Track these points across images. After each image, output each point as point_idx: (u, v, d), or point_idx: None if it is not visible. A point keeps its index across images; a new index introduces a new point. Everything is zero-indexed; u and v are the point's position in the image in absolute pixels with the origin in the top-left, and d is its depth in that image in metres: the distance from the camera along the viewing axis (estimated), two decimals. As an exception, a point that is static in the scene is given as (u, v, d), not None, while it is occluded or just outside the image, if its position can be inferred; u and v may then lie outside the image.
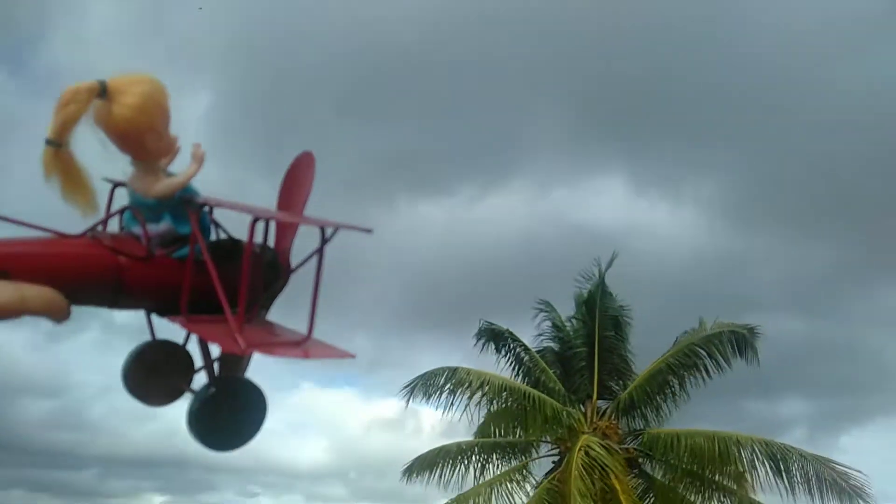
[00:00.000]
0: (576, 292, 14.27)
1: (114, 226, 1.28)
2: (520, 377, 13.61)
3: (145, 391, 1.37)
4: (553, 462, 13.76)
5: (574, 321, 14.30)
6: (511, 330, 13.57)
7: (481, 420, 13.66)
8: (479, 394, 12.42)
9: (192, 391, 1.31)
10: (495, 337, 13.65)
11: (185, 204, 1.21)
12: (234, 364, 1.31)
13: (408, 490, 14.67)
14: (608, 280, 13.77)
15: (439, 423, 15.56)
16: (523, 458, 14.05)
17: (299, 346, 1.22)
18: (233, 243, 1.28)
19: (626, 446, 12.85)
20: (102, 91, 1.10)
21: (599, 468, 11.33)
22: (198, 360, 1.35)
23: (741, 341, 12.10)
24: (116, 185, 1.27)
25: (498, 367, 13.50)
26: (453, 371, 12.71)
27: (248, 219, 1.20)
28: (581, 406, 13.45)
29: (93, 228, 1.19)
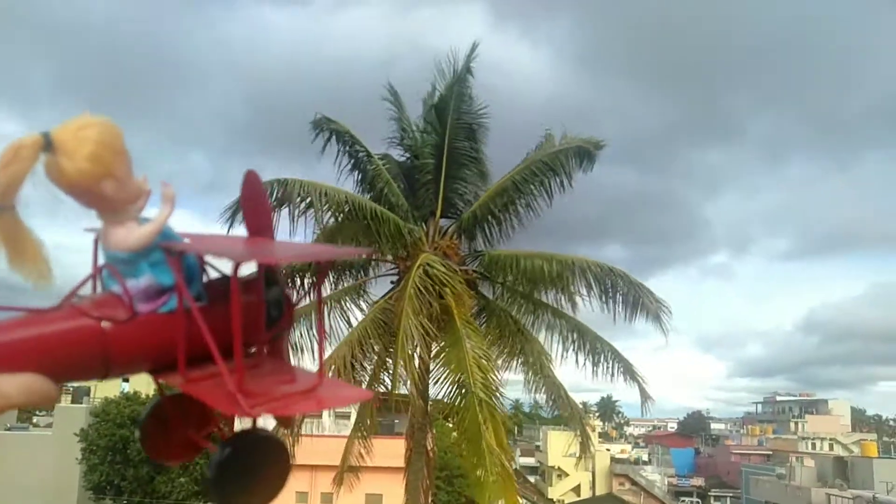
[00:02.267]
0: (426, 91, 12.49)
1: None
2: (360, 188, 12.29)
3: (162, 449, 1.26)
4: (392, 282, 13.15)
5: (423, 124, 12.69)
6: (353, 133, 11.87)
7: (314, 236, 12.47)
8: (319, 206, 10.85)
9: (211, 445, 1.15)
10: (333, 136, 11.78)
11: (165, 251, 1.07)
12: None
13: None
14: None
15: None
16: (360, 275, 13.30)
17: (311, 393, 1.09)
18: (226, 282, 1.12)
19: (465, 267, 12.37)
20: (48, 144, 0.96)
21: (437, 286, 10.79)
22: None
23: (584, 156, 11.52)
24: (100, 235, 1.11)
25: (338, 172, 11.98)
26: (283, 183, 10.83)
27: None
28: (423, 224, 12.60)
29: (73, 293, 1.06)
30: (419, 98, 13.01)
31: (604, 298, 11.28)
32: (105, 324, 1.03)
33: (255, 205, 1.28)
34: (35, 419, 53.55)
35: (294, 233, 11.16)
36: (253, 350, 1.19)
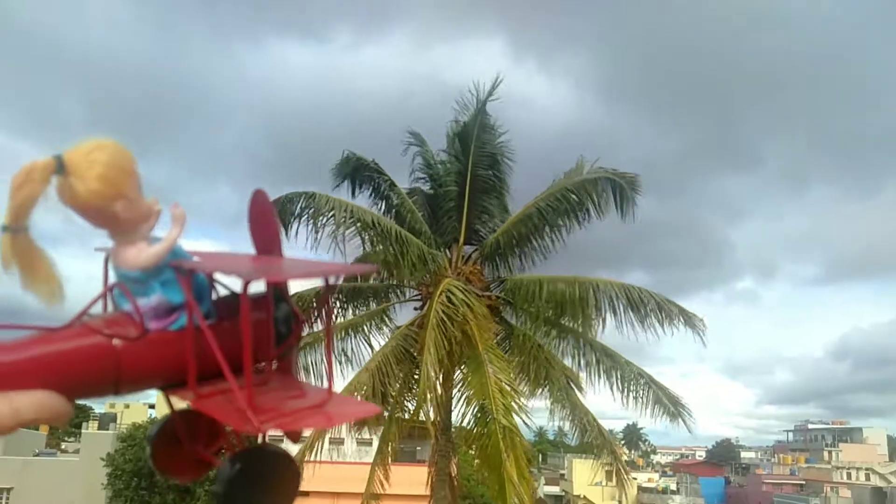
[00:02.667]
0: (450, 123, 12.64)
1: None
2: (385, 216, 12.42)
3: (171, 465, 1.29)
4: (415, 308, 13.19)
5: (446, 156, 12.80)
6: (377, 162, 12.06)
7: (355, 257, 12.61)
8: (343, 225, 10.92)
9: (219, 461, 1.16)
10: (359, 169, 11.99)
11: (175, 270, 1.11)
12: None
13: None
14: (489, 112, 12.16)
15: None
16: (383, 301, 13.36)
17: (320, 408, 1.12)
18: (235, 299, 1.15)
19: (488, 293, 12.37)
20: (60, 167, 1.00)
21: (460, 312, 10.77)
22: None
23: (617, 190, 11.30)
24: (110, 254, 1.14)
25: (354, 197, 12.07)
26: (311, 197, 10.91)
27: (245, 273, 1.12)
28: (447, 250, 12.62)
29: (84, 312, 1.08)
30: (440, 131, 13.24)
31: (631, 320, 11.07)
32: (116, 341, 1.05)
33: (263, 223, 1.29)
34: (63, 445, 54.09)
35: (317, 248, 11.13)
36: (262, 366, 1.20)
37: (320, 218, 10.98)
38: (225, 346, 1.08)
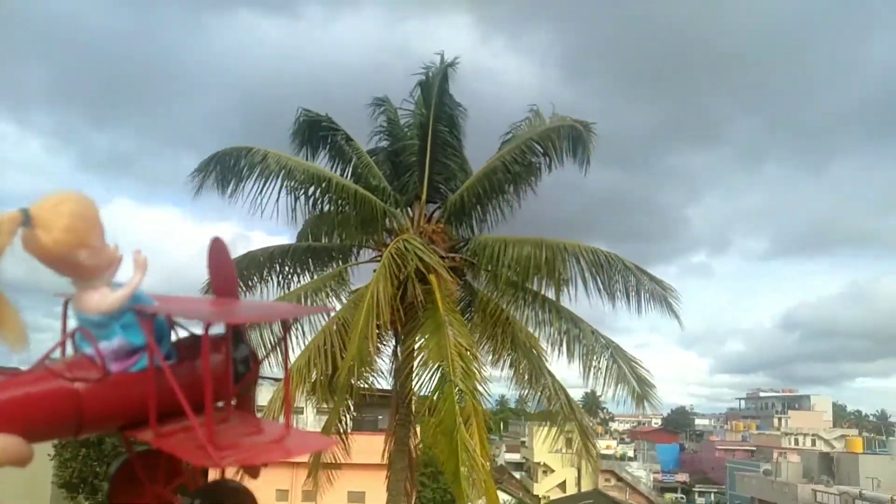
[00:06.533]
0: (415, 82, 11.96)
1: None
2: (340, 174, 11.61)
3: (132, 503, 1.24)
4: (374, 270, 12.50)
5: (408, 111, 12.17)
6: (330, 118, 11.12)
7: (295, 219, 11.81)
8: (280, 182, 10.14)
9: (179, 499, 1.26)
10: (313, 128, 11.13)
11: (137, 314, 1.15)
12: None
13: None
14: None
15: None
16: (341, 263, 12.63)
17: (279, 443, 1.18)
18: (194, 341, 1.23)
19: (452, 255, 11.72)
20: (27, 219, 1.05)
21: (417, 266, 10.11)
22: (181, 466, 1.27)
23: (577, 138, 10.80)
24: (69, 300, 1.20)
25: (311, 156, 11.26)
26: (248, 151, 10.08)
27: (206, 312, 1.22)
28: (409, 209, 11.92)
29: (47, 356, 1.15)
30: (404, 97, 12.63)
31: (599, 287, 10.60)
32: (78, 384, 1.10)
33: (222, 268, 1.32)
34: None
35: (262, 208, 10.38)
36: (221, 405, 1.23)
37: (255, 174, 10.18)
38: (185, 386, 1.13)
